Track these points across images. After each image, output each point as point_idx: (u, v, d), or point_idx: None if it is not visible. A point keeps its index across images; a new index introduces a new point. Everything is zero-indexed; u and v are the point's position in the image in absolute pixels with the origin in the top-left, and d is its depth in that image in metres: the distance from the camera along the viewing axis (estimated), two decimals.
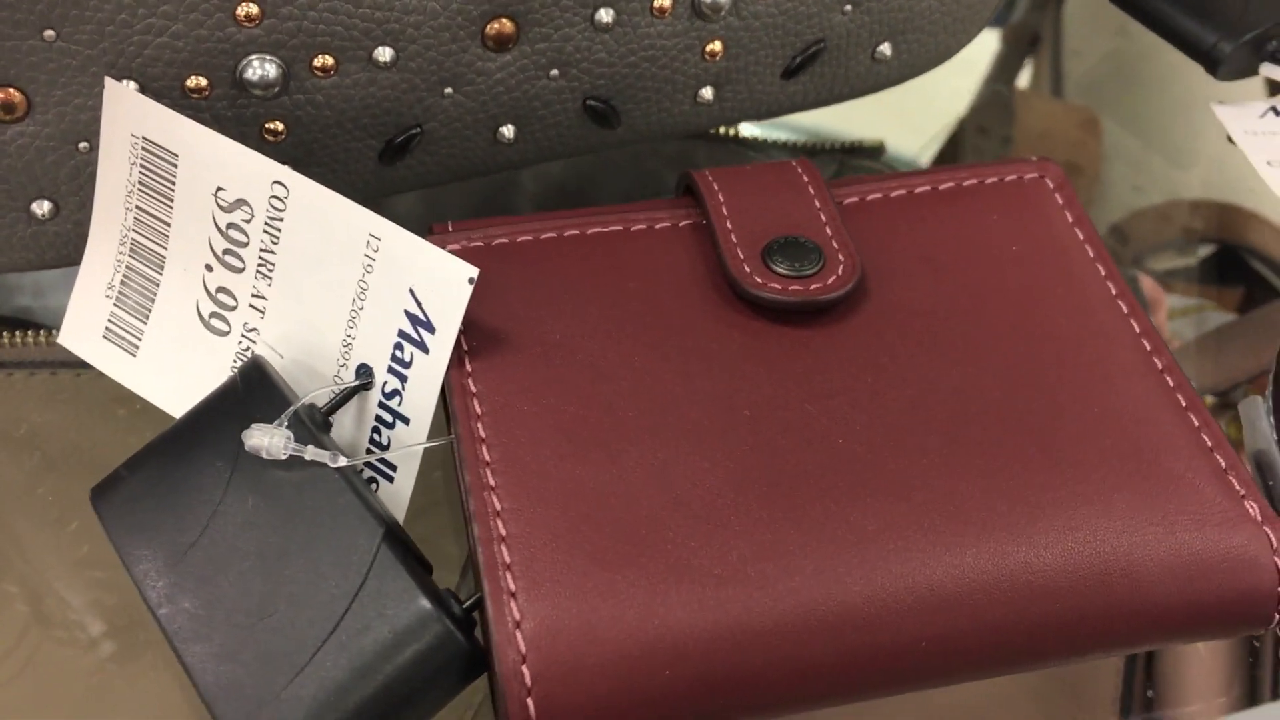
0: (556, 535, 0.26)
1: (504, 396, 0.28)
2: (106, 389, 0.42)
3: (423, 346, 0.29)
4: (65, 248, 0.34)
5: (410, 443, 0.30)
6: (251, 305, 0.31)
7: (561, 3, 0.34)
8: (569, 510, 0.27)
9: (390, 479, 0.30)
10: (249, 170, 0.30)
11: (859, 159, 0.56)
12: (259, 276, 0.31)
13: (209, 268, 0.32)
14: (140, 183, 0.32)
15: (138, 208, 0.32)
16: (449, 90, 0.35)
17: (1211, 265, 0.50)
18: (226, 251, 0.31)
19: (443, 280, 0.28)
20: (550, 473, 0.27)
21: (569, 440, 0.28)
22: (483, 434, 0.28)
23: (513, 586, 0.25)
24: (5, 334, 0.40)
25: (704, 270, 0.32)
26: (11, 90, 0.31)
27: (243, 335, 0.32)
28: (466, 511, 0.27)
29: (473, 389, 0.29)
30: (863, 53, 0.39)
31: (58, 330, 0.40)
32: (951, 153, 0.56)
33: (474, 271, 0.28)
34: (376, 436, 0.30)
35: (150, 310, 0.33)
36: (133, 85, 0.32)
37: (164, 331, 0.33)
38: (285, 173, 0.30)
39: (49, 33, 0.31)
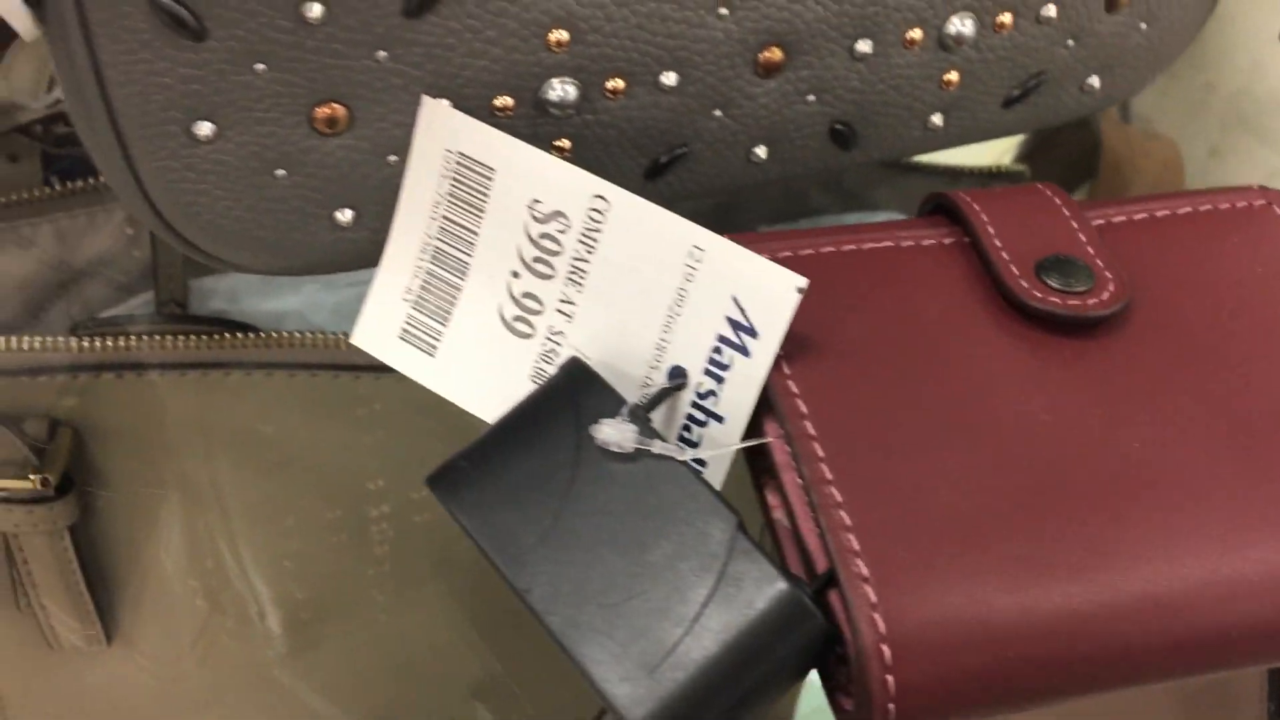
0: (896, 524, 0.29)
1: (823, 396, 0.31)
2: (327, 391, 0.44)
3: (743, 350, 0.31)
4: (359, 254, 0.36)
5: (724, 441, 0.32)
6: (559, 310, 0.34)
7: (828, 34, 0.37)
8: (903, 501, 0.29)
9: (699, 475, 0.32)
10: (570, 184, 0.33)
11: (1000, 183, 0.58)
12: (569, 283, 0.33)
13: (515, 274, 0.34)
14: (451, 194, 0.34)
15: (444, 217, 0.35)
16: (718, 112, 0.37)
17: None
18: (537, 259, 0.34)
19: (769, 288, 0.31)
20: (878, 466, 0.30)
21: (889, 437, 0.30)
22: (812, 431, 0.30)
23: (865, 572, 0.28)
24: (229, 334, 0.42)
25: (975, 285, 0.34)
26: (338, 105, 0.33)
27: (547, 338, 0.34)
28: (803, 504, 0.30)
29: (794, 389, 0.31)
30: (1074, 84, 0.42)
31: (258, 332, 0.42)
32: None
33: (803, 281, 0.30)
34: (686, 434, 0.33)
35: (450, 314, 0.35)
36: (446, 103, 0.34)
37: (464, 333, 0.35)
38: (608, 187, 0.32)
39: (382, 53, 0.33)
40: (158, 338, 0.43)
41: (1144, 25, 0.41)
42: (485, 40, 0.33)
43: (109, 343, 0.44)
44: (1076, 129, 0.63)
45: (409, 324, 0.36)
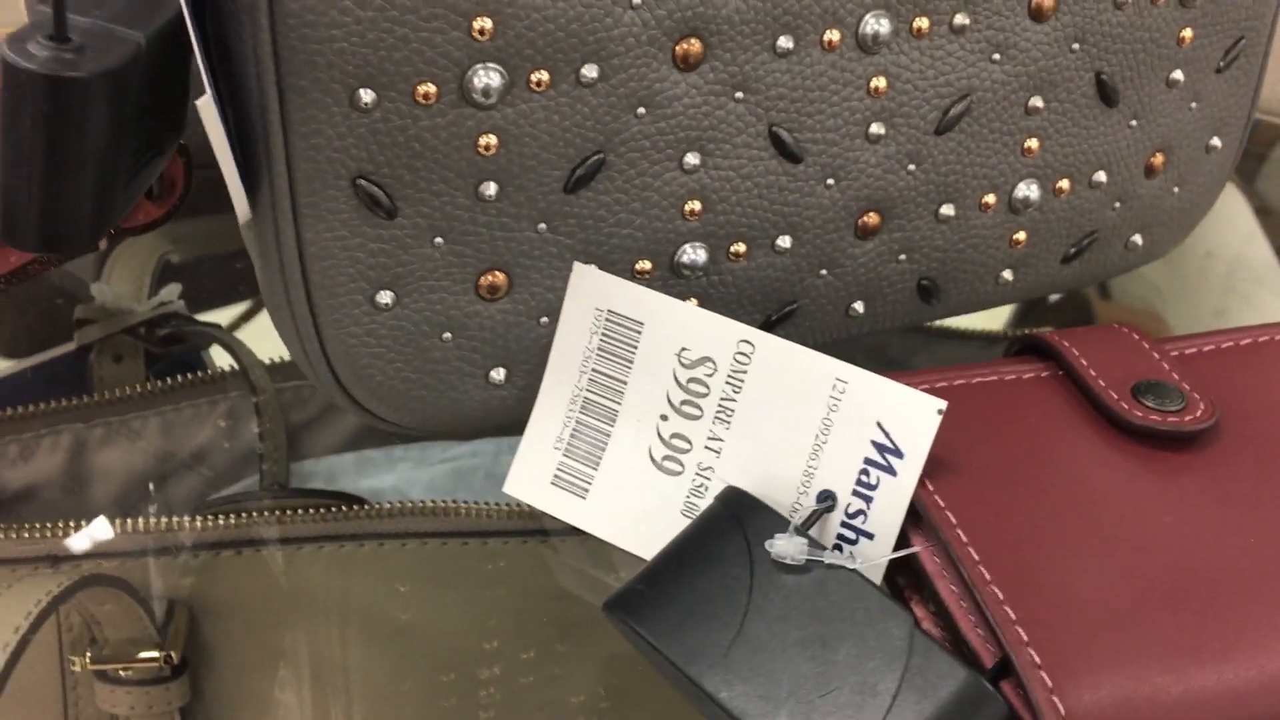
0: (1057, 617, 0.31)
1: (967, 508, 0.34)
2: (455, 557, 0.46)
3: (890, 470, 0.34)
4: (507, 411, 0.40)
5: (874, 556, 0.35)
6: (707, 447, 0.37)
7: (918, 200, 0.41)
8: (1057, 597, 0.32)
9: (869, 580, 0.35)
10: (716, 332, 0.36)
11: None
12: (717, 422, 0.37)
13: (664, 417, 0.37)
14: (600, 349, 0.38)
15: (594, 370, 0.38)
16: (824, 272, 0.41)
17: None
18: (685, 402, 0.37)
19: (912, 412, 0.34)
20: (1028, 568, 0.32)
21: (1032, 542, 0.33)
22: (965, 539, 0.33)
23: (1037, 660, 0.30)
24: (356, 506, 0.44)
25: (1077, 409, 0.38)
26: (500, 274, 0.37)
27: (697, 474, 0.37)
28: (960, 607, 0.32)
29: (940, 503, 0.34)
30: (1120, 242, 0.47)
31: (371, 505, 0.45)
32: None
33: (942, 404, 0.34)
34: (838, 551, 0.35)
35: (601, 458, 0.38)
36: (594, 268, 0.38)
37: (615, 476, 0.38)
38: (753, 332, 0.36)
39: (542, 226, 0.37)
40: (285, 513, 0.45)
41: (1176, 189, 0.47)
42: (631, 211, 0.38)
43: (232, 520, 0.46)
44: (1069, 301, 0.68)
45: (561, 470, 0.39)
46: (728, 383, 0.37)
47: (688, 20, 0.36)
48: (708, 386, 0.37)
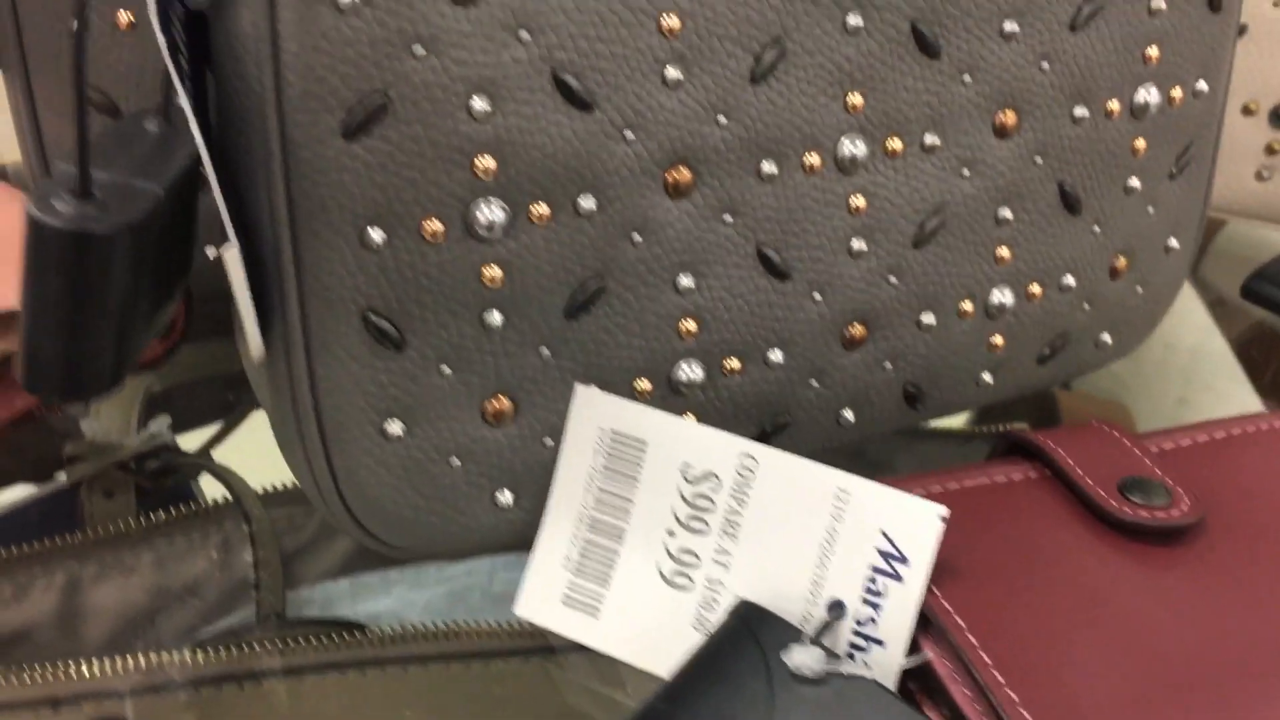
0: (1071, 714, 0.32)
1: (975, 611, 0.35)
2: (460, 678, 0.46)
3: (896, 577, 0.35)
4: (514, 532, 0.40)
5: (885, 662, 0.35)
6: (715, 561, 0.38)
7: (900, 310, 0.43)
8: (1069, 693, 0.33)
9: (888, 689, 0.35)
10: (720, 447, 0.37)
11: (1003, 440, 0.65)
12: (724, 535, 0.38)
13: (671, 533, 0.38)
14: (605, 468, 0.39)
15: (600, 489, 0.39)
16: (814, 382, 0.43)
17: None
18: (691, 517, 0.38)
19: (916, 519, 0.35)
20: (1038, 666, 0.33)
21: (1038, 640, 0.34)
22: (975, 642, 0.34)
23: None
24: (360, 633, 0.44)
25: (1068, 507, 0.39)
26: (505, 399, 0.38)
27: (706, 588, 0.38)
28: (974, 710, 0.33)
29: (948, 607, 0.35)
30: (1090, 341, 0.49)
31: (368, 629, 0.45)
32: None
33: (945, 510, 0.35)
34: (850, 660, 0.36)
35: (610, 576, 0.39)
36: (595, 388, 0.39)
37: (626, 593, 0.38)
38: (755, 446, 0.37)
39: (545, 350, 0.38)
40: (287, 642, 0.45)
41: (1139, 289, 0.49)
42: (629, 334, 0.39)
43: (234, 652, 0.45)
44: (1033, 395, 0.70)
45: (571, 590, 0.39)
46: (733, 497, 0.37)
47: (677, 150, 0.37)
48: (713, 501, 0.38)
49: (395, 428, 0.37)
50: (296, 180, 0.33)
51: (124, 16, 0.44)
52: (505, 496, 0.39)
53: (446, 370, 0.37)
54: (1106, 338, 0.49)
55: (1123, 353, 0.51)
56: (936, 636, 0.35)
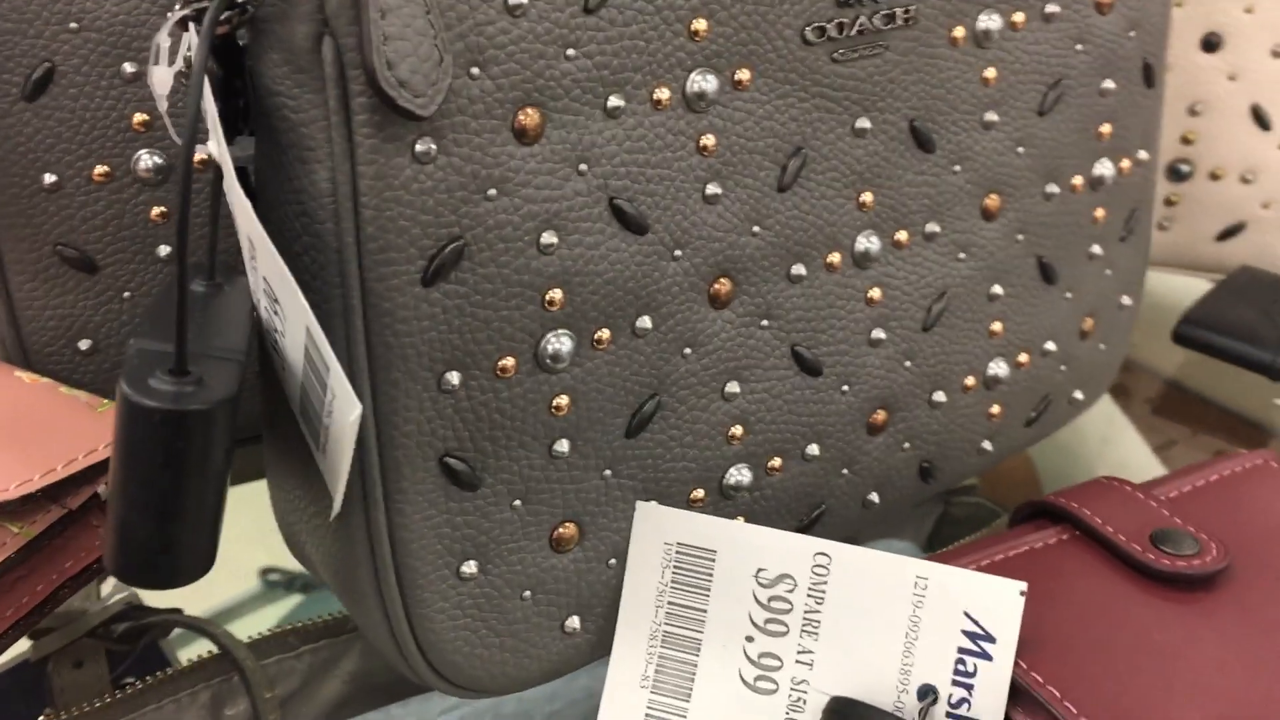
0: None
1: (1063, 678, 0.36)
2: None
3: (985, 655, 0.37)
4: (581, 656, 0.40)
5: None
6: (798, 661, 0.38)
7: (915, 392, 0.45)
8: None
9: None
10: (791, 549, 0.38)
11: (960, 496, 0.67)
12: (804, 634, 0.38)
13: (749, 639, 0.38)
14: (673, 581, 0.39)
15: (670, 603, 0.39)
16: (845, 471, 0.44)
17: None
18: (769, 620, 0.38)
19: (996, 598, 0.37)
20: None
21: (1127, 703, 0.36)
22: (1073, 709, 0.35)
23: None
24: None
25: (1105, 563, 0.41)
26: (571, 525, 0.38)
27: (791, 689, 0.38)
28: None
29: (1039, 679, 0.36)
30: (1065, 399, 0.51)
31: None
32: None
33: (1023, 585, 0.36)
34: None
35: (691, 690, 0.39)
36: (655, 504, 0.39)
37: (708, 705, 0.38)
38: (827, 544, 0.38)
39: (608, 472, 0.38)
40: None
41: (1102, 346, 0.52)
42: (684, 445, 0.39)
43: None
44: None
45: (651, 709, 0.39)
46: (809, 595, 0.38)
47: (719, 263, 0.38)
48: (790, 602, 0.38)
49: (470, 568, 0.36)
50: (377, 332, 0.32)
51: (99, 169, 0.42)
52: (573, 622, 0.39)
53: (518, 504, 0.37)
54: (1079, 394, 0.52)
55: (1088, 406, 0.54)
56: (1028, 706, 0.36)
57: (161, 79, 0.32)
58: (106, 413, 0.40)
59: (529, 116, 0.33)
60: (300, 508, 0.38)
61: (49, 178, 0.42)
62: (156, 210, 0.43)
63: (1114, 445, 0.71)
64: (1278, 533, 0.43)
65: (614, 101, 0.35)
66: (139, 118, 0.42)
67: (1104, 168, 0.48)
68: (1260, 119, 0.62)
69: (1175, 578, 0.40)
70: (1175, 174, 0.64)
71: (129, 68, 0.42)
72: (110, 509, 0.29)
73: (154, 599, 0.58)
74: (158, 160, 0.43)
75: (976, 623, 0.37)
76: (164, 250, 0.44)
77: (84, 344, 0.44)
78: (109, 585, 0.54)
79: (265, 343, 0.35)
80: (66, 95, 0.41)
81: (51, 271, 0.43)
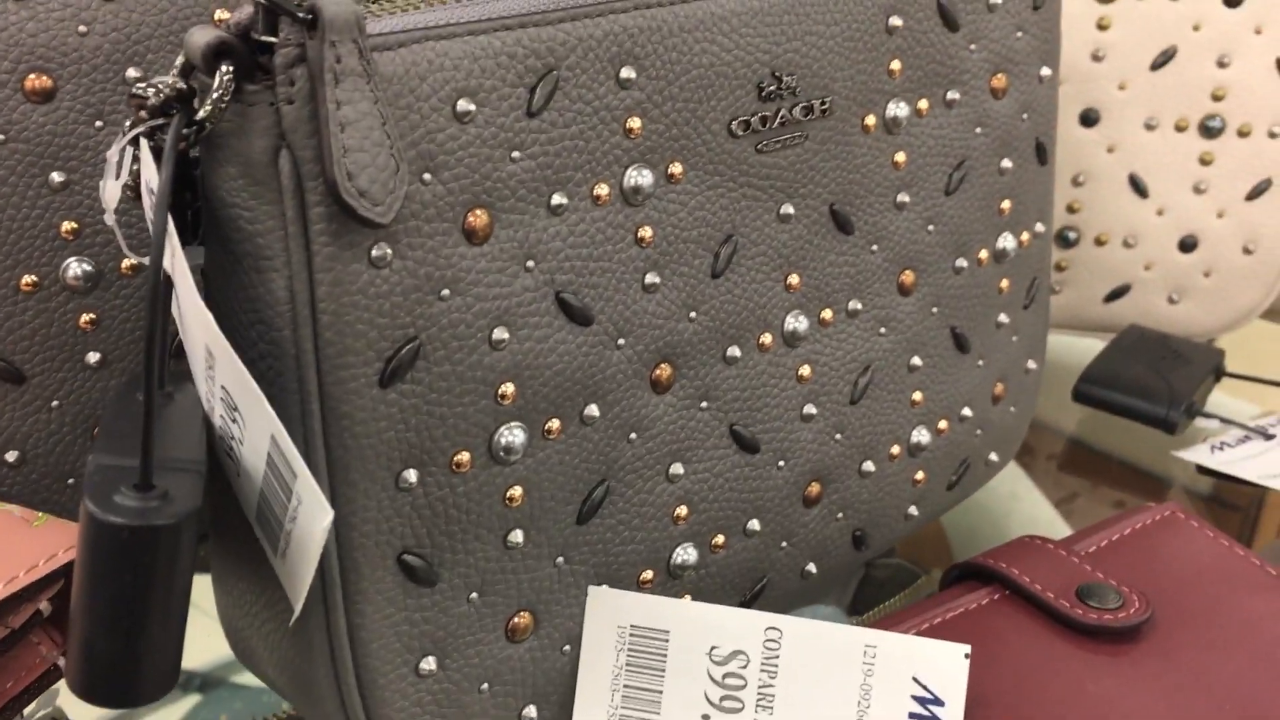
0: None
1: None
2: None
3: (934, 719, 0.38)
4: None
5: None
6: None
7: (846, 464, 0.46)
8: None
9: None
10: (743, 625, 0.39)
11: (880, 558, 0.69)
12: (760, 709, 0.39)
13: (706, 717, 0.39)
14: (628, 664, 0.39)
15: (625, 686, 0.39)
16: (784, 544, 0.45)
17: None
18: (724, 698, 0.39)
19: (943, 662, 0.38)
20: None
21: None
22: None
23: None
24: None
25: (1036, 620, 0.43)
26: (526, 614, 0.38)
27: None
28: None
29: None
30: (982, 462, 0.54)
31: None
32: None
33: (968, 648, 0.38)
34: None
35: None
36: (606, 588, 0.40)
37: None
38: (777, 618, 0.39)
39: (560, 559, 0.39)
40: None
41: (1012, 409, 0.54)
42: (633, 528, 0.40)
43: None
44: None
45: None
46: (763, 670, 0.39)
47: (660, 349, 0.39)
48: (744, 678, 0.39)
49: (429, 664, 0.36)
50: (335, 434, 0.33)
51: (27, 279, 0.42)
52: (530, 711, 0.39)
53: (474, 596, 0.37)
54: (994, 456, 0.54)
55: (1003, 467, 0.56)
56: None
57: (111, 193, 0.32)
58: (43, 527, 0.39)
59: (478, 217, 0.34)
60: (251, 611, 0.37)
61: None
62: (85, 318, 0.43)
63: (1020, 501, 0.74)
64: (1192, 581, 0.45)
65: (557, 199, 0.36)
66: (67, 225, 0.42)
67: (1006, 241, 0.51)
68: (1138, 187, 0.66)
69: (1102, 630, 0.42)
70: (1063, 240, 0.68)
71: (57, 177, 0.41)
72: (74, 628, 0.29)
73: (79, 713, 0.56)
74: (86, 268, 0.42)
75: (925, 687, 0.38)
76: (93, 357, 0.43)
77: (11, 455, 0.43)
78: (33, 705, 0.53)
79: (216, 450, 0.35)
80: None
81: None
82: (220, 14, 0.43)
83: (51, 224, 0.42)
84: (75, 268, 0.42)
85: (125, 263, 0.43)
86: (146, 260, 0.33)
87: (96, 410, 0.44)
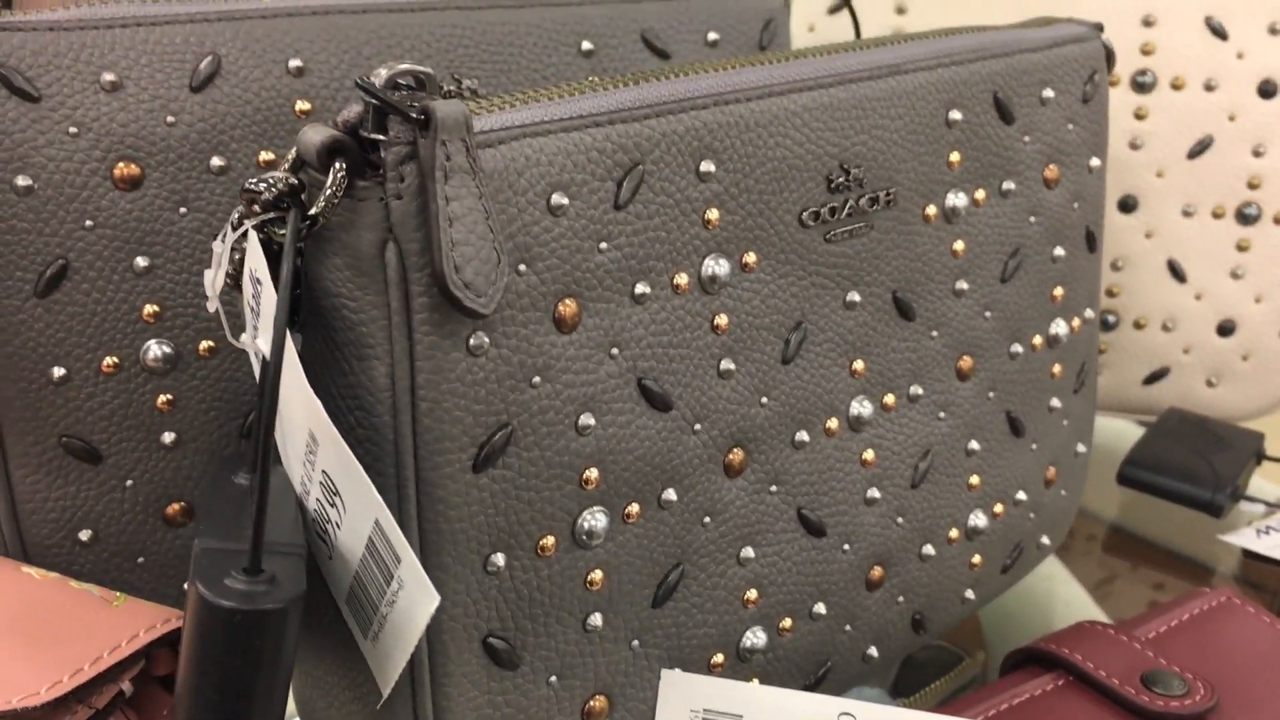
0: None
1: None
2: None
3: None
4: None
5: None
6: None
7: (907, 547, 0.47)
8: None
9: None
10: (816, 709, 0.39)
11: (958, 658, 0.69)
12: None
13: None
14: None
15: None
16: (848, 627, 0.45)
17: None
18: None
19: None
20: None
21: None
22: None
23: None
24: None
25: (1102, 707, 0.43)
26: (601, 698, 0.39)
27: None
28: None
29: None
30: (1034, 545, 0.54)
31: None
32: None
33: None
34: None
35: None
36: (679, 671, 0.40)
37: None
38: (850, 704, 0.39)
39: (635, 643, 0.39)
40: None
41: (1063, 492, 0.55)
42: (705, 611, 0.40)
43: None
44: None
45: None
46: None
47: (733, 434, 0.40)
48: None
49: None
50: (429, 518, 0.33)
51: (108, 360, 0.43)
52: None
53: (554, 679, 0.37)
54: (1045, 539, 0.55)
55: (1053, 550, 0.56)
56: None
57: (216, 283, 0.33)
58: (123, 607, 0.40)
59: (567, 306, 0.35)
60: (332, 693, 0.38)
61: (58, 371, 0.42)
62: (163, 399, 0.44)
63: (1054, 582, 0.74)
64: (1253, 667, 0.46)
65: (641, 288, 0.37)
66: (149, 309, 0.43)
67: (1059, 327, 0.51)
68: (1176, 272, 0.67)
69: (1168, 718, 0.43)
70: (1103, 324, 0.69)
71: (141, 261, 0.42)
72: (179, 708, 0.29)
73: None
74: (166, 350, 0.43)
75: None
76: (168, 437, 0.44)
77: (85, 534, 0.44)
78: None
79: (307, 531, 0.35)
80: (79, 290, 0.42)
81: (55, 464, 0.43)
82: (300, 105, 0.44)
83: (135, 307, 0.43)
84: (155, 349, 0.43)
85: (203, 345, 0.44)
86: (241, 344, 0.34)
87: (169, 490, 0.44)
